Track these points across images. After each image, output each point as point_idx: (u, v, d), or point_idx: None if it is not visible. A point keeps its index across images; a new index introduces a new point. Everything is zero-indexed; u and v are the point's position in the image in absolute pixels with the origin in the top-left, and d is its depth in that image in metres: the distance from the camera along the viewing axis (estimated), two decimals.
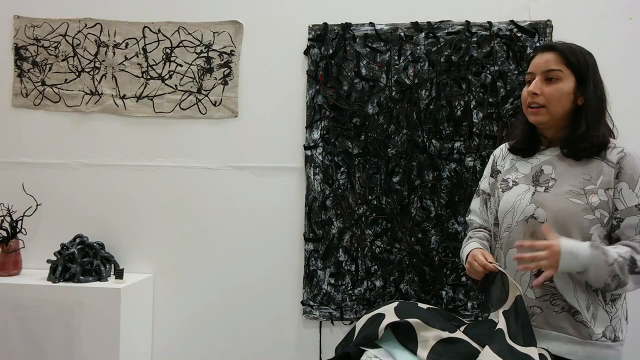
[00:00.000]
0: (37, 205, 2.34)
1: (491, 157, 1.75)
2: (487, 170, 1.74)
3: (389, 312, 1.51)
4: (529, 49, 2.19)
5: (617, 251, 1.40)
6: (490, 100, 2.21)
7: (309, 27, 2.30)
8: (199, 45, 2.36)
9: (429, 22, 2.25)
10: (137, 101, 2.38)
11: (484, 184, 1.74)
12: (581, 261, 1.37)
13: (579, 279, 1.44)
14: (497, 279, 1.51)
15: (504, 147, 1.73)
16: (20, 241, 2.32)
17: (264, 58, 2.34)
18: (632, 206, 1.45)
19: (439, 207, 2.23)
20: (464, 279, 2.22)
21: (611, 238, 1.49)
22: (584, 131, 1.49)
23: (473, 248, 1.60)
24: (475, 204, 1.77)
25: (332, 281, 2.29)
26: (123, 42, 2.38)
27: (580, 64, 1.51)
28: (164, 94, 2.37)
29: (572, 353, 1.44)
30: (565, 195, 1.47)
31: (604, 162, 1.49)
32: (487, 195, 1.72)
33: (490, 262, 1.52)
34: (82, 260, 2.22)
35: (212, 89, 2.35)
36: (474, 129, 2.22)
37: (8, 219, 2.30)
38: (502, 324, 1.42)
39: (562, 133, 1.56)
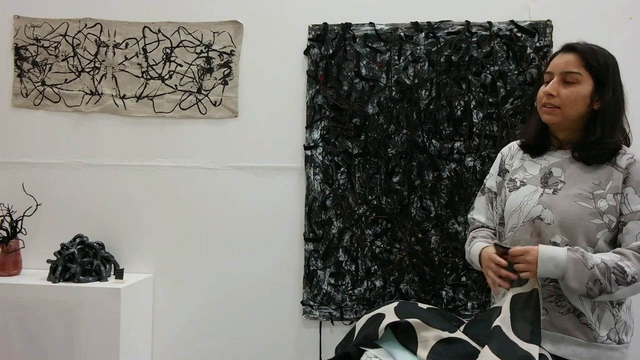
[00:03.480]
0: (37, 205, 2.34)
1: (499, 155, 1.74)
2: (495, 169, 1.73)
3: (389, 312, 1.52)
4: (528, 49, 2.19)
5: (600, 257, 1.40)
6: (490, 100, 2.21)
7: (309, 27, 2.30)
8: (199, 45, 2.36)
9: (429, 22, 2.25)
10: (137, 101, 2.38)
11: (491, 182, 1.72)
12: (559, 264, 1.38)
13: (562, 287, 1.43)
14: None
15: (512, 146, 1.71)
16: (20, 241, 2.32)
17: (264, 58, 2.34)
18: (637, 211, 1.45)
19: (439, 207, 2.23)
20: (464, 279, 2.22)
21: (616, 243, 1.49)
22: (598, 138, 1.49)
23: (483, 247, 1.57)
24: (480, 202, 1.75)
25: (332, 281, 2.29)
26: (123, 42, 2.38)
27: (600, 67, 1.49)
28: (164, 94, 2.37)
29: (576, 355, 1.44)
30: (573, 199, 1.47)
31: (613, 167, 1.49)
32: (493, 194, 1.70)
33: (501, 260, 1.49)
34: (82, 260, 2.22)
35: (212, 89, 2.35)
36: (474, 129, 2.22)
37: (8, 219, 2.30)
38: (503, 316, 1.41)
39: (575, 136, 1.55)
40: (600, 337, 1.44)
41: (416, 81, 2.24)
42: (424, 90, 2.25)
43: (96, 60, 2.39)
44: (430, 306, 1.61)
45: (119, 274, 2.22)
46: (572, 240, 1.45)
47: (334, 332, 2.30)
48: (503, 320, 1.40)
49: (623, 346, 1.47)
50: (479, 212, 1.74)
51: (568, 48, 1.53)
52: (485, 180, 1.76)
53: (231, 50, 2.35)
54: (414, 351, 1.44)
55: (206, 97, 2.35)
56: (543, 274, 1.40)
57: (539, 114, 1.58)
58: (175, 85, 2.36)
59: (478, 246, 1.60)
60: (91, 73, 2.39)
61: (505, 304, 1.44)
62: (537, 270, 1.39)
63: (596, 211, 1.45)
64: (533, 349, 1.33)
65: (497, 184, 1.69)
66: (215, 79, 2.35)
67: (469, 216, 1.79)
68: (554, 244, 1.46)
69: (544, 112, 1.54)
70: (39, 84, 2.41)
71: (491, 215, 1.71)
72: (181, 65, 2.36)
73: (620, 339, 1.46)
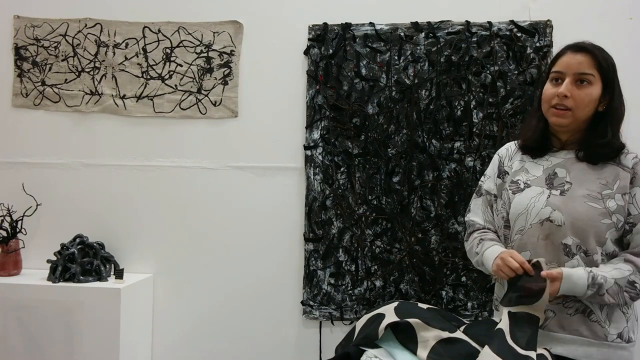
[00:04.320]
0: (37, 205, 2.34)
1: (495, 157, 1.72)
2: (492, 170, 1.70)
3: (389, 312, 1.52)
4: (528, 49, 2.19)
5: (613, 277, 1.42)
6: (490, 100, 2.22)
7: (309, 27, 2.30)
8: (199, 45, 2.36)
9: (429, 22, 2.25)
10: (137, 101, 2.38)
11: (489, 184, 1.69)
12: (579, 292, 1.42)
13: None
14: (525, 280, 1.46)
15: (510, 147, 1.70)
16: (20, 241, 2.31)
17: (264, 58, 2.34)
18: None
19: (439, 207, 2.23)
20: (464, 279, 2.22)
21: (622, 242, 1.50)
22: (609, 139, 1.49)
23: (503, 250, 1.53)
24: (476, 204, 1.73)
25: (332, 281, 2.29)
26: (123, 42, 2.38)
27: (608, 68, 1.50)
28: (164, 94, 2.37)
29: (588, 356, 1.45)
30: (582, 199, 1.47)
31: (619, 167, 1.49)
32: (492, 197, 1.68)
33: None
34: (82, 260, 2.22)
35: (212, 89, 2.35)
36: (474, 129, 2.22)
37: (8, 219, 2.30)
38: (504, 323, 1.41)
39: (578, 137, 1.54)
40: (610, 335, 1.45)
41: (416, 81, 2.24)
42: (424, 90, 2.25)
43: (96, 60, 2.39)
44: (430, 306, 1.60)
45: (119, 274, 2.22)
46: (583, 241, 1.45)
47: (334, 332, 2.30)
48: (505, 326, 1.40)
49: (631, 344, 1.48)
50: (476, 214, 1.72)
51: (579, 48, 1.51)
52: (481, 183, 1.73)
53: (231, 50, 2.35)
54: (414, 351, 1.44)
55: (206, 97, 2.35)
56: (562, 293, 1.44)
57: (545, 115, 1.56)
58: (175, 85, 2.36)
59: (495, 250, 1.56)
60: (91, 73, 2.39)
61: (504, 313, 1.44)
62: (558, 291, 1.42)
63: (605, 211, 1.45)
64: (531, 354, 1.34)
65: (496, 186, 1.67)
66: (215, 79, 2.35)
67: (466, 218, 1.76)
68: (565, 245, 1.46)
69: (553, 114, 1.52)
70: (39, 84, 2.41)
71: (490, 218, 1.69)
72: (181, 65, 2.36)
73: (629, 338, 1.48)
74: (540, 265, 1.43)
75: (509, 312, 1.43)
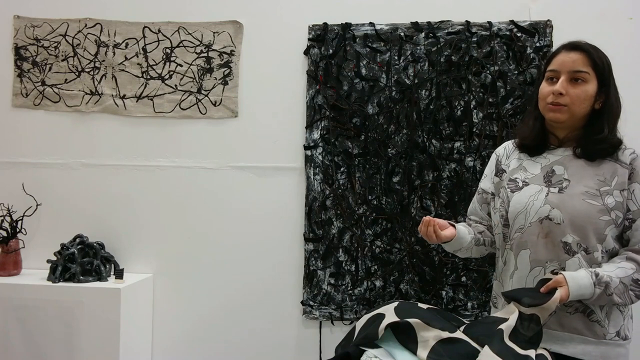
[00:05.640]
0: (37, 205, 2.34)
1: (493, 156, 1.72)
2: (490, 169, 1.71)
3: (389, 312, 1.51)
4: (529, 49, 2.19)
5: (618, 276, 1.42)
6: (490, 100, 2.22)
7: (309, 27, 2.30)
8: (199, 45, 2.36)
9: (429, 22, 2.25)
10: (137, 101, 2.38)
11: (486, 183, 1.70)
12: (586, 297, 1.41)
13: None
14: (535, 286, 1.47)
15: (508, 146, 1.70)
16: (20, 241, 2.32)
17: (264, 58, 2.34)
18: None
19: (439, 207, 2.23)
20: (464, 279, 2.22)
21: (622, 239, 1.50)
22: (606, 134, 1.49)
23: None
24: (473, 203, 1.75)
25: (332, 281, 2.29)
26: (123, 42, 2.38)
27: (604, 67, 1.50)
28: (164, 94, 2.37)
29: (586, 353, 1.45)
30: (581, 196, 1.47)
31: (617, 163, 1.49)
32: (488, 195, 1.69)
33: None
34: (82, 260, 2.22)
35: (212, 89, 2.35)
36: (474, 129, 2.22)
37: (8, 219, 2.30)
38: (508, 324, 1.41)
39: (576, 134, 1.55)
40: (609, 334, 1.46)
41: (416, 81, 2.24)
42: (424, 90, 2.25)
43: (96, 60, 2.39)
44: (430, 306, 1.60)
45: (119, 274, 2.22)
46: (583, 238, 1.45)
47: (334, 332, 2.30)
48: (507, 327, 1.40)
49: (627, 342, 1.49)
50: (472, 213, 1.76)
51: (573, 47, 1.53)
52: (480, 183, 1.75)
53: (231, 50, 2.35)
54: (414, 351, 1.44)
55: (206, 97, 2.35)
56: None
57: (542, 112, 1.56)
58: (175, 85, 2.36)
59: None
60: (91, 73, 2.39)
61: (513, 315, 1.43)
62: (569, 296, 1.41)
63: (604, 208, 1.45)
64: (530, 352, 1.34)
65: (494, 184, 1.68)
66: (215, 79, 2.35)
67: (466, 221, 1.79)
68: (565, 243, 1.46)
69: (550, 110, 1.52)
70: (39, 84, 2.41)
71: (484, 215, 1.71)
72: (181, 65, 2.36)
73: (626, 335, 1.48)
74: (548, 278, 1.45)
75: (520, 313, 1.42)
